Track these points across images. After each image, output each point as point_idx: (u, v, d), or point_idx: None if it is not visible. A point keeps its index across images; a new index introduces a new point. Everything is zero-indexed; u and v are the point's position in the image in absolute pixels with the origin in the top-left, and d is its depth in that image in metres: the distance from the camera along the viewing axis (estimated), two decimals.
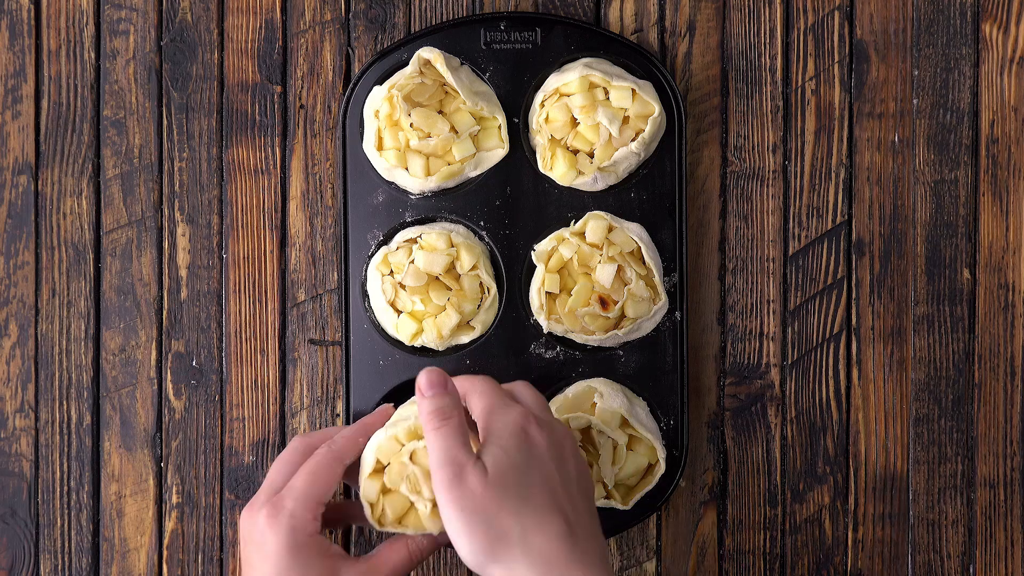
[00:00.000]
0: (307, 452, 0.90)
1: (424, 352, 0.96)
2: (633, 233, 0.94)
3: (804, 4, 0.98)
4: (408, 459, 0.86)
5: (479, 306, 0.95)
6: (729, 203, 0.98)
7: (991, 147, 0.98)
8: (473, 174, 0.96)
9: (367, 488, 0.87)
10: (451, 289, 0.94)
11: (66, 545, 0.98)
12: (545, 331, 0.95)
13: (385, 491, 0.87)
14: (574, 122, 0.95)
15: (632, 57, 0.96)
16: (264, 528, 0.86)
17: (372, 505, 0.87)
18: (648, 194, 0.96)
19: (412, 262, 0.93)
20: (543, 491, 0.83)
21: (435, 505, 0.85)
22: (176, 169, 0.99)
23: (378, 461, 0.87)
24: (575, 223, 0.95)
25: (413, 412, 0.89)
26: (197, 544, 0.98)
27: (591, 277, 0.94)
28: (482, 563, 0.82)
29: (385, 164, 0.95)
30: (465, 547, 0.81)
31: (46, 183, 0.99)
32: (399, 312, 0.95)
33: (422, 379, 0.86)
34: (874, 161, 0.98)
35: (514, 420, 0.84)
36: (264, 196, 0.99)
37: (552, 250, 0.95)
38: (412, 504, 0.87)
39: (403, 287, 0.94)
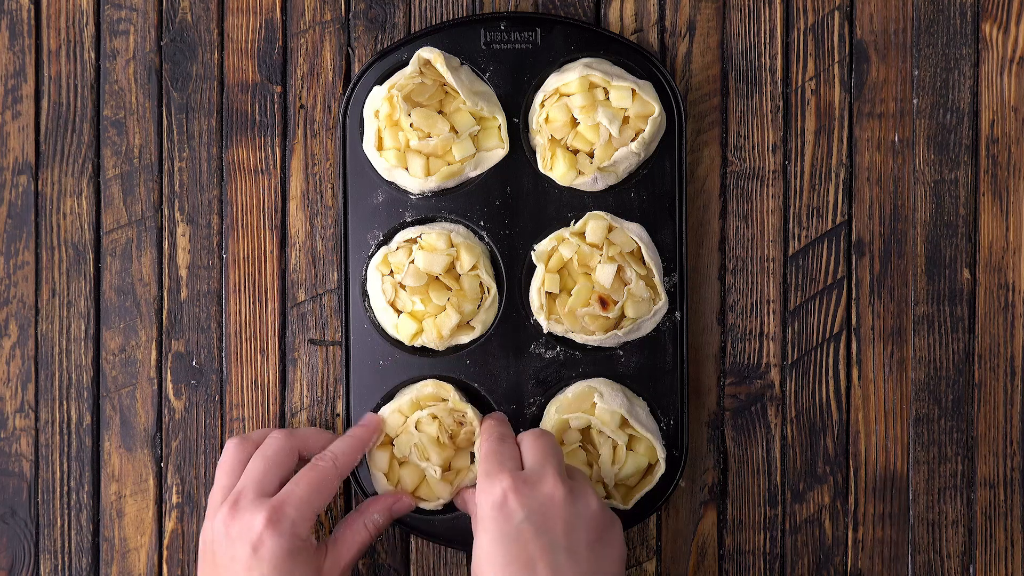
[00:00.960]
0: (249, 453, 0.92)
1: (424, 352, 0.96)
2: (633, 233, 0.94)
3: (804, 4, 0.98)
4: (414, 428, 0.93)
5: (479, 306, 0.95)
6: (729, 203, 0.98)
7: (991, 147, 0.98)
8: (473, 174, 0.96)
9: (377, 459, 0.93)
10: (451, 289, 0.94)
11: (66, 545, 0.98)
12: (545, 331, 0.95)
13: (399, 462, 0.94)
14: (574, 122, 0.95)
15: (632, 57, 0.96)
16: (263, 532, 0.87)
17: (386, 474, 0.94)
18: (648, 194, 0.96)
19: (412, 262, 0.93)
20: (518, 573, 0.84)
21: (444, 470, 0.92)
22: (176, 169, 0.99)
23: (386, 435, 0.94)
24: (575, 223, 0.95)
25: (415, 387, 0.94)
26: (197, 544, 0.98)
27: (591, 277, 0.94)
28: None
29: (385, 164, 0.95)
30: None
31: (46, 183, 0.99)
32: (399, 312, 0.95)
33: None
34: (874, 161, 0.98)
35: (490, 503, 0.85)
36: (264, 196, 0.99)
37: (552, 250, 0.94)
38: (424, 475, 0.94)
39: (403, 287, 0.94)
